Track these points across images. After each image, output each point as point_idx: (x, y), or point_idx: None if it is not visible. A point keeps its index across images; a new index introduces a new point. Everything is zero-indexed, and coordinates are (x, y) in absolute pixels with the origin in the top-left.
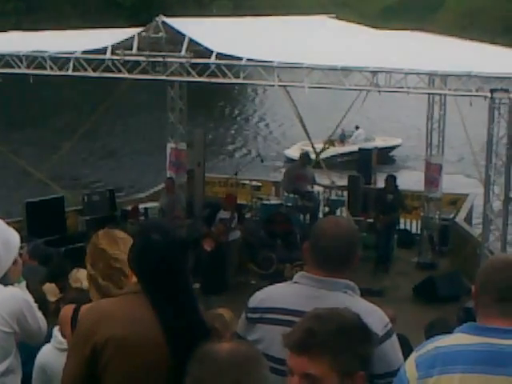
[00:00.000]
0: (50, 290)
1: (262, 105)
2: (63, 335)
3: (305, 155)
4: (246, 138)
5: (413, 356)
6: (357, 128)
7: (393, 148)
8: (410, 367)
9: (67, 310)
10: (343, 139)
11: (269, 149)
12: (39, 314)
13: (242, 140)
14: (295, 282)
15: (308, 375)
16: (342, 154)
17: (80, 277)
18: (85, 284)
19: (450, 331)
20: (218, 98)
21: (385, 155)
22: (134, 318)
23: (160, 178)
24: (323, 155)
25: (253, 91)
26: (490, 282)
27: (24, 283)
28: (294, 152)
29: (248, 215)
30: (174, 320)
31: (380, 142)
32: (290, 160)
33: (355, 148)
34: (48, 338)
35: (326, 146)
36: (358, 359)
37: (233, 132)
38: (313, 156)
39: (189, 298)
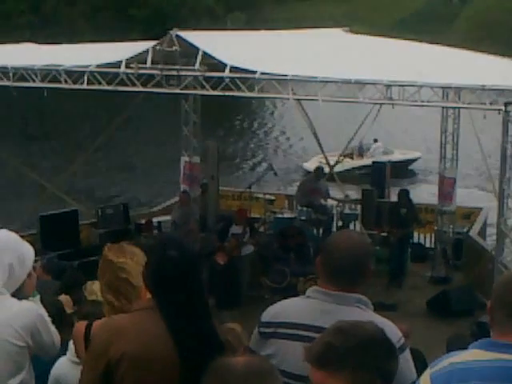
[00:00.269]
0: (65, 302)
1: (281, 118)
2: (76, 351)
3: (319, 169)
4: (266, 152)
5: (427, 372)
6: (375, 141)
7: (412, 161)
8: (424, 383)
9: (80, 327)
10: (362, 152)
11: (289, 162)
12: (53, 328)
13: (261, 154)
14: (308, 297)
15: None
16: (361, 167)
17: (95, 289)
18: (100, 296)
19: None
20: (236, 111)
21: (403, 168)
22: (148, 333)
23: (174, 191)
24: (341, 168)
25: (271, 104)
26: (504, 297)
27: (38, 297)
28: (312, 165)
29: (261, 229)
30: (187, 336)
31: (399, 156)
32: (308, 173)
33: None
34: (64, 351)
35: (341, 159)
36: (380, 374)
37: (252, 146)
38: (327, 169)
39: (203, 313)
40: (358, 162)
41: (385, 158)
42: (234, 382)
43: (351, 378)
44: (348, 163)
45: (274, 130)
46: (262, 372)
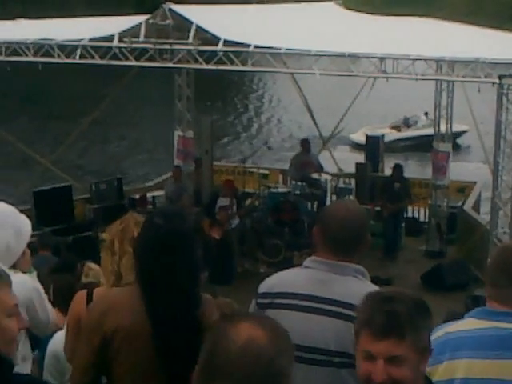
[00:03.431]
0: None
1: (280, 93)
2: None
3: (305, 141)
4: (261, 126)
5: None
6: (426, 114)
7: (459, 134)
8: None
9: (81, 294)
10: (408, 125)
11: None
12: (49, 306)
13: (257, 128)
14: (305, 267)
15: (394, 358)
16: (405, 139)
17: (88, 272)
18: (92, 277)
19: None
20: (232, 85)
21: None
22: (132, 307)
23: (168, 166)
24: (387, 138)
25: (268, 79)
26: (489, 268)
27: (35, 273)
28: (358, 137)
29: (255, 203)
30: (160, 312)
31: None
32: (355, 144)
33: (418, 133)
34: None
35: (336, 132)
36: (429, 335)
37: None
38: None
39: (185, 287)
40: (402, 134)
41: (430, 131)
42: (225, 359)
43: (413, 341)
44: (392, 134)
45: (271, 104)
46: (260, 356)
